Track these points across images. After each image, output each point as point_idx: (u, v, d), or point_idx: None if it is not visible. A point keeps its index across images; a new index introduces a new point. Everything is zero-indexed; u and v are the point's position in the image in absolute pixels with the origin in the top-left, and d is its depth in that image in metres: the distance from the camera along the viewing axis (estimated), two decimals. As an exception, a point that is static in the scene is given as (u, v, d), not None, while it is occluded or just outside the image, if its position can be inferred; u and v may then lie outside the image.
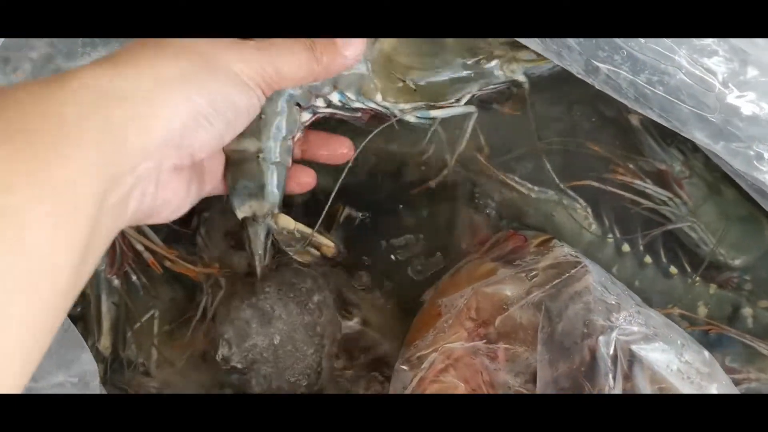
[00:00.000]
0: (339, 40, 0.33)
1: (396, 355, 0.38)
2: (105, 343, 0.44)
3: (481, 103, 0.41)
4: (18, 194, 0.21)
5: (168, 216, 0.31)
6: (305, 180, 0.39)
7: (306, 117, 0.38)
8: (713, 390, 0.29)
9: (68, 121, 0.23)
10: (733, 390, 0.31)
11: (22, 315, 0.21)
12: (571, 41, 0.33)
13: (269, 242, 0.37)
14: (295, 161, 0.39)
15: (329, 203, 0.38)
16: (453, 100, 0.39)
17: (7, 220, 0.21)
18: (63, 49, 0.41)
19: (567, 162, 0.42)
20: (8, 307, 0.20)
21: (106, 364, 0.43)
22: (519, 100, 0.41)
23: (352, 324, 0.42)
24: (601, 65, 0.33)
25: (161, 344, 0.45)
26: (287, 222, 0.37)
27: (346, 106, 0.38)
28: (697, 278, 0.41)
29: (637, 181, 0.42)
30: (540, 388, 0.30)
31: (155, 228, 0.43)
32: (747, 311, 0.40)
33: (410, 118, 0.39)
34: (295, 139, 0.37)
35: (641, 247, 0.41)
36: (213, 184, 0.36)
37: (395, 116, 0.38)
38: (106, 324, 0.44)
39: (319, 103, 0.38)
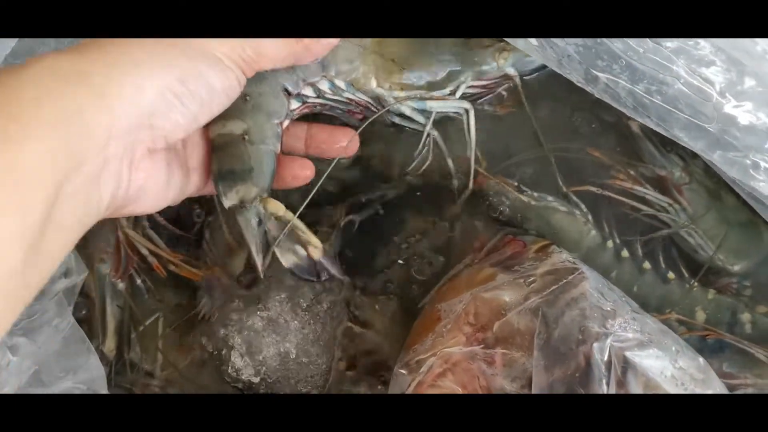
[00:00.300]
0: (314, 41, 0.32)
1: (396, 358, 0.38)
2: (110, 345, 0.45)
3: (475, 102, 0.40)
4: None
5: (149, 205, 0.31)
6: (303, 173, 0.37)
7: (295, 105, 0.36)
8: (707, 397, 0.30)
9: (24, 104, 0.23)
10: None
11: None
12: (571, 50, 0.34)
13: (263, 231, 0.35)
14: (298, 155, 0.38)
15: (317, 186, 0.37)
16: (448, 92, 0.39)
17: None
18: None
19: (567, 167, 0.42)
20: None
21: (110, 366, 0.44)
22: (513, 98, 0.42)
23: (355, 328, 0.42)
24: (600, 74, 0.33)
25: (165, 347, 0.45)
26: (276, 206, 0.35)
27: (337, 98, 0.37)
28: (696, 284, 0.41)
29: (638, 187, 0.42)
30: (535, 393, 0.30)
31: (159, 232, 0.44)
32: (745, 317, 0.40)
33: (405, 109, 0.38)
34: (284, 125, 0.36)
35: (640, 253, 0.42)
36: (198, 176, 0.35)
37: (392, 105, 0.38)
38: (110, 326, 0.45)
39: (308, 91, 0.37)
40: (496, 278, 0.37)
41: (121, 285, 0.44)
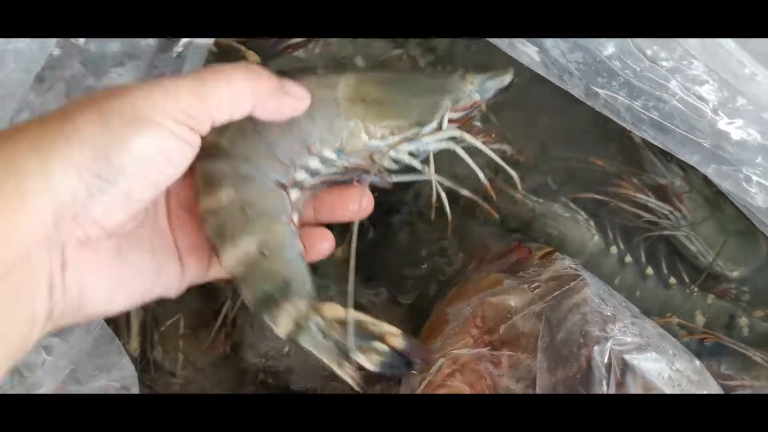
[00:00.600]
0: (279, 85, 0.29)
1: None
2: (134, 344, 0.47)
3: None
4: None
5: (107, 305, 0.27)
6: (323, 245, 0.34)
7: (295, 195, 0.34)
8: (702, 397, 0.31)
9: None
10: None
11: None
12: (572, 68, 0.35)
13: (332, 342, 0.31)
14: (310, 224, 0.35)
15: (353, 264, 0.31)
16: (435, 124, 0.36)
17: None
18: (92, 69, 0.44)
19: (570, 176, 0.44)
20: None
21: (135, 364, 0.46)
22: (491, 128, 0.42)
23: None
24: (600, 90, 0.35)
25: (186, 347, 0.48)
26: (333, 310, 0.31)
27: (333, 170, 0.35)
28: (696, 289, 0.42)
29: (640, 195, 0.43)
30: (539, 393, 0.32)
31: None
32: (743, 321, 0.42)
33: (403, 156, 0.36)
34: (295, 220, 0.33)
35: (643, 259, 0.43)
36: (197, 258, 0.31)
37: (383, 157, 0.34)
38: (134, 326, 0.47)
39: (301, 175, 0.34)
40: (503, 283, 0.38)
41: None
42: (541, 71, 0.37)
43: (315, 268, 0.33)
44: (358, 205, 0.34)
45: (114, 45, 0.37)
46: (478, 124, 0.41)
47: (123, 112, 0.24)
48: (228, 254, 0.31)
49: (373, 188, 0.35)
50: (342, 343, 0.31)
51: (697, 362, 0.33)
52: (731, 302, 0.43)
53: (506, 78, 0.40)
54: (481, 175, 0.38)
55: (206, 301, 0.48)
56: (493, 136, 0.41)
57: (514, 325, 0.36)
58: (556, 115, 0.45)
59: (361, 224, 0.42)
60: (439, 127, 0.36)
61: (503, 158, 0.38)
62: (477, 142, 0.38)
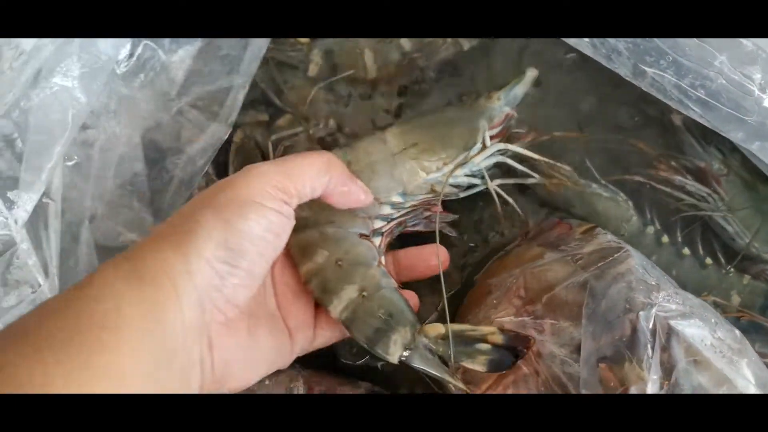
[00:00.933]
0: (349, 179, 0.34)
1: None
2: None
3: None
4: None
5: (243, 378, 0.31)
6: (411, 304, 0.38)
7: (378, 240, 0.38)
8: (743, 364, 0.32)
9: (109, 314, 0.25)
10: (762, 366, 0.34)
11: None
12: (621, 47, 0.37)
13: (439, 357, 0.35)
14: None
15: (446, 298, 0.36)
16: (479, 145, 0.41)
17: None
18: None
19: (611, 157, 0.45)
20: None
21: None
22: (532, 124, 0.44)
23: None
24: (647, 69, 0.36)
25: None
26: (435, 329, 0.35)
27: (404, 212, 0.39)
28: (732, 269, 0.43)
29: (678, 177, 0.44)
30: (584, 357, 0.33)
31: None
32: (779, 301, 0.43)
33: (461, 180, 0.40)
34: (383, 263, 0.37)
35: (679, 239, 0.44)
36: (305, 334, 0.35)
37: (444, 186, 0.39)
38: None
39: (378, 223, 0.38)
40: (545, 256, 0.40)
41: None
42: (588, 51, 0.39)
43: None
44: (436, 260, 0.39)
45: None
46: (519, 130, 0.43)
47: (231, 202, 0.29)
48: (334, 305, 0.35)
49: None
50: (448, 355, 0.34)
51: (737, 332, 0.34)
52: (766, 283, 0.43)
53: (528, 79, 0.42)
54: (536, 177, 0.43)
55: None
56: (536, 132, 0.43)
57: (557, 296, 0.37)
58: (597, 99, 0.46)
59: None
60: (484, 146, 0.41)
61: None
62: (520, 149, 0.42)
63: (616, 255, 0.36)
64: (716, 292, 0.43)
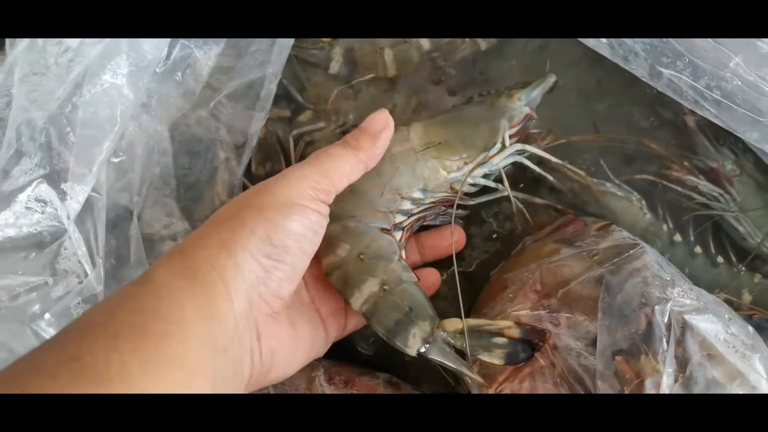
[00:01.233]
0: (368, 136, 0.35)
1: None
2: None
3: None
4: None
5: (286, 368, 0.33)
6: (431, 281, 0.40)
7: (398, 235, 0.39)
8: (756, 359, 0.33)
9: (173, 307, 0.26)
10: (774, 361, 0.34)
11: None
12: (638, 48, 0.37)
13: (457, 351, 0.36)
14: (417, 265, 0.41)
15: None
16: (499, 144, 0.41)
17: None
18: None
19: (625, 157, 0.46)
20: None
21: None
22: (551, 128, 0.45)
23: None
24: (664, 70, 0.37)
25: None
26: (453, 323, 0.36)
27: (423, 207, 0.40)
28: (743, 268, 0.44)
29: (691, 177, 0.45)
30: (600, 350, 0.34)
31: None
32: (789, 300, 0.44)
33: (480, 180, 0.41)
34: (403, 257, 0.38)
35: (692, 238, 0.45)
36: (336, 321, 0.37)
37: (463, 185, 0.40)
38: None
39: (399, 218, 0.39)
40: (560, 252, 0.40)
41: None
42: (606, 53, 0.40)
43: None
44: (454, 239, 0.41)
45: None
46: (536, 131, 0.44)
47: (273, 203, 0.31)
48: (355, 297, 0.36)
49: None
50: (465, 349, 0.35)
51: (750, 328, 0.35)
52: (778, 282, 0.44)
53: (549, 82, 0.43)
54: (551, 179, 0.44)
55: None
56: (554, 135, 0.44)
57: (573, 290, 0.37)
58: (612, 99, 0.47)
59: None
60: (503, 146, 0.41)
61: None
62: (539, 151, 0.43)
63: (631, 251, 0.37)
64: (728, 291, 0.44)
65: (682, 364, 0.32)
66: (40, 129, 0.32)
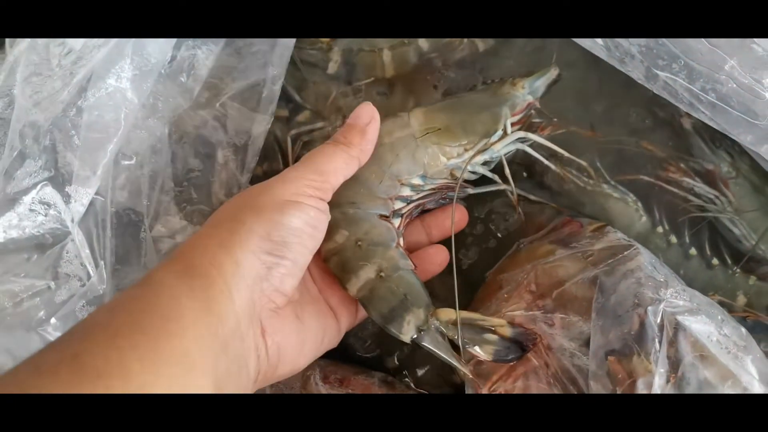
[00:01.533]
0: (356, 131, 0.36)
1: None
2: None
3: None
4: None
5: (296, 361, 0.33)
6: (440, 257, 0.40)
7: (397, 222, 0.39)
8: (748, 361, 0.33)
9: (172, 305, 0.26)
10: (766, 363, 0.34)
11: None
12: (634, 50, 0.38)
13: (449, 341, 0.36)
14: (424, 245, 0.41)
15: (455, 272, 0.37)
16: (501, 132, 0.41)
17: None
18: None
19: (622, 159, 0.46)
20: None
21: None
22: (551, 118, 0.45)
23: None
24: (660, 73, 0.37)
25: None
26: (447, 313, 0.36)
27: (423, 194, 0.40)
28: (738, 270, 0.44)
29: (687, 179, 0.45)
30: (593, 350, 0.34)
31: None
32: (784, 302, 0.44)
33: (479, 168, 0.41)
34: (401, 244, 0.38)
35: (687, 240, 0.45)
36: (347, 310, 0.37)
37: (463, 171, 0.39)
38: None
39: (399, 204, 0.39)
40: (556, 253, 0.41)
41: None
42: (603, 54, 0.40)
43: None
44: (459, 216, 0.41)
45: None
46: (537, 120, 0.44)
47: (270, 201, 0.31)
48: (352, 283, 0.36)
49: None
50: (457, 341, 0.35)
51: (743, 329, 0.35)
52: (772, 284, 0.44)
53: (553, 74, 0.43)
54: (553, 168, 0.43)
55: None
56: (555, 121, 0.44)
57: (567, 291, 0.38)
58: (609, 101, 0.47)
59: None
60: (505, 133, 0.41)
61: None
62: (540, 139, 0.42)
63: (625, 252, 0.37)
64: (722, 292, 0.44)
65: (675, 364, 0.32)
66: (44, 131, 0.32)
